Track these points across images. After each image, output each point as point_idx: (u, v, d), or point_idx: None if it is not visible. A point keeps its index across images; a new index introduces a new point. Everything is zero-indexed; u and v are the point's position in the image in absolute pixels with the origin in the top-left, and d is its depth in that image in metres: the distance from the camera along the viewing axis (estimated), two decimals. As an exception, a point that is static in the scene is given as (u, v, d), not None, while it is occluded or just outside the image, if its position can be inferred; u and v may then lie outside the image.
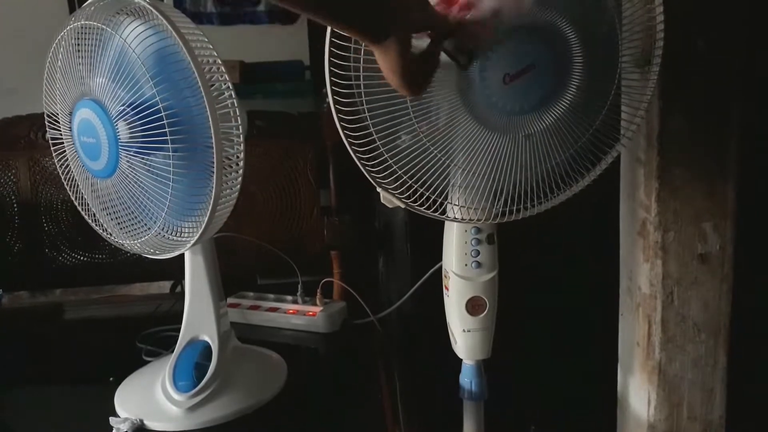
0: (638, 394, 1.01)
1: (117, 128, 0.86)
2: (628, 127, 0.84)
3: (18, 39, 2.34)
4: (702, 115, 0.91)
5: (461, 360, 0.96)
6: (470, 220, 0.85)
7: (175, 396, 0.97)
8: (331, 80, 0.76)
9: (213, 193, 0.86)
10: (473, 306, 0.91)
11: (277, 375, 1.07)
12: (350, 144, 0.79)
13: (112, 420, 0.95)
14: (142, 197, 0.90)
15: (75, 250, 1.46)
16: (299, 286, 1.31)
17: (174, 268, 1.05)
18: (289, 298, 1.31)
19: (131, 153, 0.87)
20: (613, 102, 0.82)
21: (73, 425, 1.00)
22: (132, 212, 0.92)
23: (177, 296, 1.41)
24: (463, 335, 0.93)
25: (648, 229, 0.94)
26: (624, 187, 1.00)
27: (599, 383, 1.10)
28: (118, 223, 0.95)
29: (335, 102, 0.77)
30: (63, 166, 0.99)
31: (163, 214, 0.89)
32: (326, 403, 1.04)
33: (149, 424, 0.95)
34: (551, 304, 1.25)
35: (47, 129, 0.97)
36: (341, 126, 0.78)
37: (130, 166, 0.88)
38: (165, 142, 0.84)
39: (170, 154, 0.85)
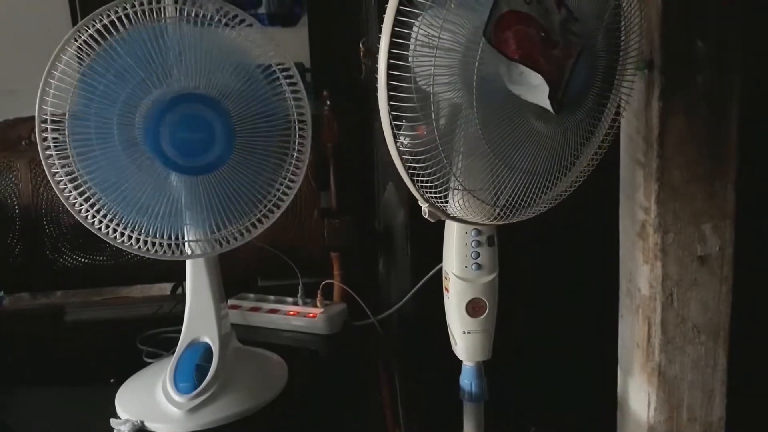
0: (638, 395, 1.01)
1: (233, 119, 0.91)
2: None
3: (18, 40, 2.34)
4: (702, 116, 0.91)
5: (461, 361, 0.96)
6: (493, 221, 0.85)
7: (176, 397, 0.97)
8: (389, 82, 0.73)
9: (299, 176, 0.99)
10: (473, 308, 0.92)
11: (278, 376, 1.07)
12: (404, 160, 0.76)
13: (112, 421, 0.95)
14: (256, 182, 0.96)
15: (76, 251, 1.46)
16: (300, 288, 1.31)
17: (175, 270, 1.05)
18: (290, 299, 1.31)
19: (249, 140, 0.93)
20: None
21: (73, 427, 1.00)
22: (235, 200, 0.95)
23: (178, 298, 1.42)
24: (463, 337, 0.93)
25: (647, 231, 0.94)
26: (623, 189, 1.01)
27: (599, 385, 1.10)
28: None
29: (393, 109, 0.73)
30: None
31: (278, 193, 0.98)
32: (327, 405, 1.04)
33: (150, 425, 0.96)
34: (551, 305, 1.25)
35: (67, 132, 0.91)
36: (393, 137, 0.75)
37: (244, 154, 0.93)
38: (275, 129, 0.95)
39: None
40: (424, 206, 0.81)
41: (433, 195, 0.79)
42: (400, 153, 0.76)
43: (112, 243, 0.92)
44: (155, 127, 0.88)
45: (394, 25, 0.71)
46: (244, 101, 0.93)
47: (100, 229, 0.92)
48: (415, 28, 0.72)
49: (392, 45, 0.72)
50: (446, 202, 0.81)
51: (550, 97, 0.72)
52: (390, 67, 0.72)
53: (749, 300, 1.01)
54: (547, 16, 0.73)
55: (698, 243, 0.94)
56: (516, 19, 0.72)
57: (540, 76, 0.71)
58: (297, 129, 0.99)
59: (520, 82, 0.73)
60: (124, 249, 0.94)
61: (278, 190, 0.99)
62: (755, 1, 0.93)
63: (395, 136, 0.75)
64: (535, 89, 0.72)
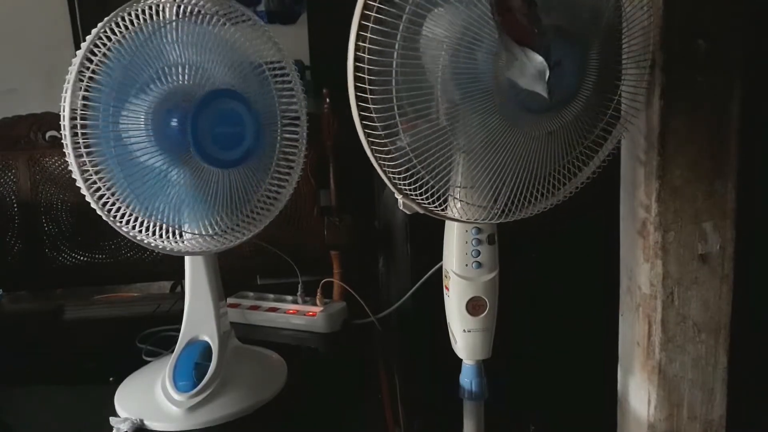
0: (638, 394, 1.01)
1: (259, 113, 0.96)
2: (629, 112, 0.84)
3: (18, 39, 2.34)
4: (702, 115, 0.91)
5: (461, 360, 0.96)
6: (489, 220, 0.85)
7: (175, 396, 0.97)
8: (355, 73, 0.74)
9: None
10: (473, 306, 0.91)
11: (277, 375, 1.07)
12: (373, 150, 0.77)
13: (112, 420, 0.95)
14: (262, 179, 1.00)
15: (75, 250, 1.46)
16: (299, 286, 1.31)
17: (174, 269, 1.05)
18: (289, 298, 1.31)
19: (277, 132, 1.00)
20: (618, 98, 0.83)
21: (73, 425, 1.00)
22: (244, 195, 0.98)
23: (177, 296, 1.42)
24: (464, 335, 0.93)
25: (648, 229, 0.94)
26: (624, 187, 1.01)
27: (599, 383, 1.10)
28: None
29: (357, 99, 0.75)
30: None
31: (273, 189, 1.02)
32: (326, 403, 1.04)
33: (149, 424, 0.96)
34: (551, 304, 1.25)
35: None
36: (362, 126, 0.76)
37: (272, 146, 0.99)
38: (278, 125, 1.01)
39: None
40: (400, 198, 0.81)
41: (430, 192, 0.80)
42: (373, 150, 0.76)
43: (122, 231, 0.91)
44: (194, 122, 0.89)
45: (360, 22, 0.73)
46: (260, 97, 0.96)
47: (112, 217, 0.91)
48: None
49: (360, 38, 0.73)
50: (442, 202, 0.82)
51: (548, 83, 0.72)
52: (356, 69, 0.73)
53: (750, 299, 1.01)
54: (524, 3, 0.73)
55: (699, 241, 0.94)
56: (509, 5, 0.72)
57: (544, 60, 0.71)
58: (290, 126, 1.01)
59: (520, 69, 0.73)
60: (130, 237, 0.93)
61: (274, 186, 1.01)
62: (755, 1, 0.93)
63: (367, 135, 0.76)
64: (535, 76, 0.72)
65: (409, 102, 0.75)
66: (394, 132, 0.76)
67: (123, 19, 0.87)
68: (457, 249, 0.91)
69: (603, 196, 1.04)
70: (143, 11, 0.88)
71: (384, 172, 0.79)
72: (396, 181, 0.79)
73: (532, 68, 0.72)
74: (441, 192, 0.81)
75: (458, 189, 0.82)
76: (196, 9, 0.92)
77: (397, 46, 0.73)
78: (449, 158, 0.78)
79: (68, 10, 2.38)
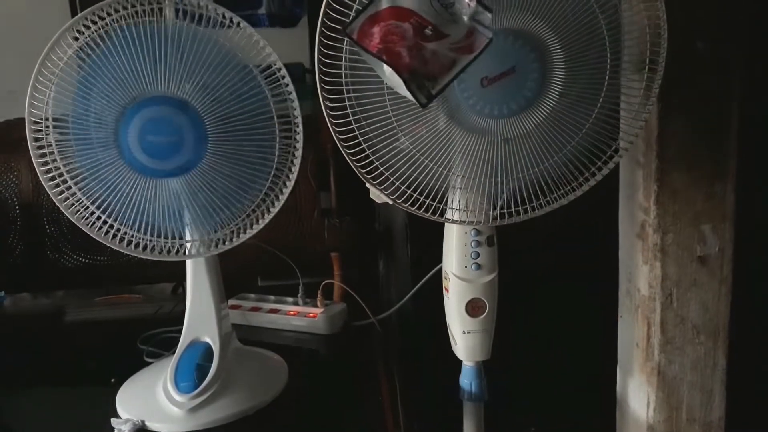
0: (637, 395, 1.01)
1: (206, 123, 0.91)
2: (626, 138, 0.83)
3: (19, 40, 2.34)
4: (701, 117, 0.91)
5: (461, 361, 0.96)
6: (458, 221, 0.85)
7: (177, 397, 0.97)
8: (320, 81, 0.77)
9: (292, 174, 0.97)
10: (473, 308, 0.92)
11: (278, 376, 1.07)
12: (341, 144, 0.79)
13: (113, 421, 0.96)
14: (228, 186, 0.94)
15: (76, 251, 1.46)
16: (300, 288, 1.31)
17: (175, 270, 1.05)
18: (290, 299, 1.32)
19: (228, 142, 0.92)
20: (601, 111, 0.80)
21: (74, 426, 1.01)
22: (226, 201, 0.95)
23: (178, 298, 1.42)
24: (463, 337, 0.93)
25: (647, 231, 0.94)
26: (623, 189, 1.01)
27: (599, 385, 1.10)
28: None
29: (326, 105, 0.77)
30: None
31: (258, 199, 0.97)
32: (327, 405, 1.04)
33: (150, 425, 0.96)
34: (551, 305, 1.25)
35: (50, 134, 0.96)
36: (332, 125, 0.78)
37: (217, 157, 0.92)
38: (258, 130, 0.94)
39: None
40: (368, 186, 0.83)
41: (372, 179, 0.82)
42: (338, 139, 0.78)
43: (109, 245, 0.93)
44: (124, 130, 0.89)
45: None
46: (219, 103, 0.92)
47: (95, 230, 0.93)
48: None
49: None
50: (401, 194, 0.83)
51: (418, 90, 0.71)
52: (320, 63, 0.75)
53: (749, 300, 1.01)
54: (445, 9, 0.72)
55: (698, 243, 0.94)
56: (393, 14, 0.72)
57: (391, 68, 0.71)
58: (283, 130, 0.98)
59: (390, 77, 0.73)
60: (121, 250, 0.95)
61: (271, 190, 0.99)
62: (755, 1, 0.93)
63: (334, 131, 0.78)
64: (400, 83, 0.72)
65: (368, 112, 0.77)
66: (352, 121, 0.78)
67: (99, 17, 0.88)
68: (456, 251, 0.91)
69: (602, 198, 1.04)
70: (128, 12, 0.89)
71: (351, 161, 0.80)
72: (362, 170, 0.80)
73: (395, 77, 0.72)
74: (411, 193, 0.82)
75: (436, 191, 0.83)
76: (181, 9, 0.91)
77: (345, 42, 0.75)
78: (413, 165, 0.80)
79: (69, 11, 2.38)
